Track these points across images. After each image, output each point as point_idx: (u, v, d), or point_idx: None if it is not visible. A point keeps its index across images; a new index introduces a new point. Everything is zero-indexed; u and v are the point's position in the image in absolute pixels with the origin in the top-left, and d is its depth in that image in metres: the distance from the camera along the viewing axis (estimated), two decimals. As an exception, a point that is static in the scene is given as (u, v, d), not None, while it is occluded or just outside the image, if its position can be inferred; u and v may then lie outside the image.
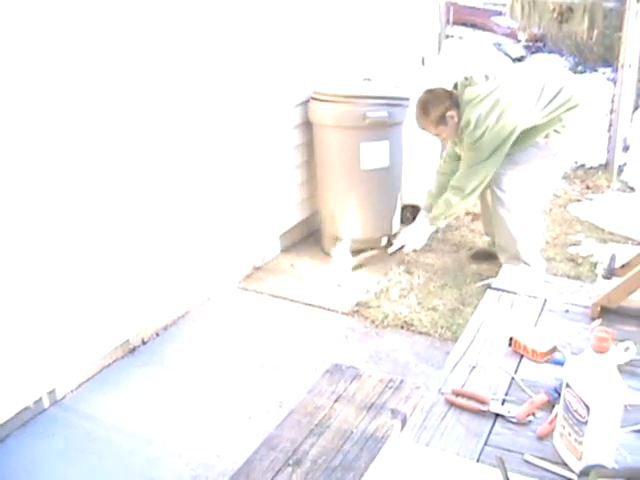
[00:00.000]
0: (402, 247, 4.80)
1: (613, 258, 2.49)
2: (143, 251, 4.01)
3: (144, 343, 4.19)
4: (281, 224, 5.30)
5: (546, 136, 4.43)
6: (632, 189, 6.72)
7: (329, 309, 4.59)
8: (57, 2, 3.21)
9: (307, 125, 5.23)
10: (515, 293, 2.48)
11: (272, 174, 5.05)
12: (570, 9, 9.13)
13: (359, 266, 5.12)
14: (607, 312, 2.29)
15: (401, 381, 2.76)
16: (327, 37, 5.44)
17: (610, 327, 2.21)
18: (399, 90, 5.16)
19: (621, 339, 2.10)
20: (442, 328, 4.29)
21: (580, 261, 5.11)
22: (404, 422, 2.52)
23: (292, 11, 4.98)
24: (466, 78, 4.49)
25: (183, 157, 4.20)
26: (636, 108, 9.12)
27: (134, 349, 4.12)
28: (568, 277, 4.75)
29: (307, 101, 5.15)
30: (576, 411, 1.60)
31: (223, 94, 4.43)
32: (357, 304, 4.61)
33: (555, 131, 4.41)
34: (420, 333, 4.29)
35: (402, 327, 4.36)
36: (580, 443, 1.60)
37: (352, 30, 5.78)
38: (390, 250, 4.86)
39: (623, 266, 2.41)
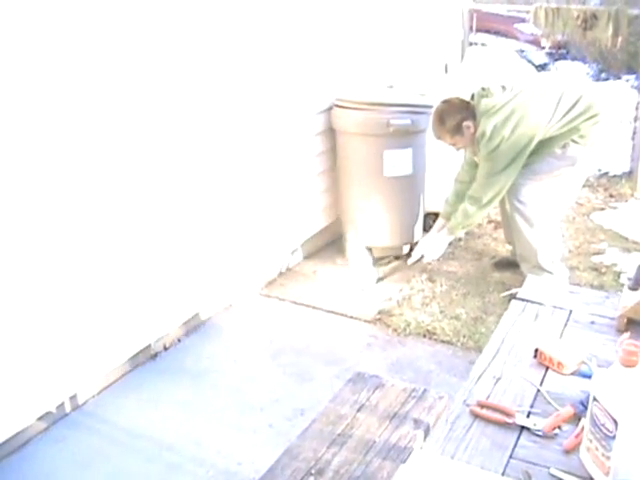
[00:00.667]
0: (421, 258, 4.79)
1: (639, 269, 2.46)
2: (165, 257, 4.01)
3: (166, 349, 4.19)
4: (304, 231, 5.29)
5: (564, 146, 4.40)
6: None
7: (351, 317, 4.58)
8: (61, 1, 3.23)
9: (330, 132, 5.22)
10: (540, 304, 2.46)
11: (295, 181, 5.04)
12: (595, 16, 9.06)
13: (382, 278, 5.11)
14: (634, 324, 2.27)
15: (424, 390, 2.74)
16: (350, 44, 5.43)
17: (638, 340, 2.20)
18: (422, 98, 5.14)
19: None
20: (464, 337, 4.27)
21: (604, 270, 5.06)
22: (427, 432, 2.50)
23: (315, 18, 4.97)
24: (483, 89, 4.48)
25: (209, 164, 4.20)
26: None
27: (156, 355, 4.13)
28: (591, 286, 4.71)
29: (330, 108, 5.15)
30: (604, 425, 1.58)
31: (249, 102, 4.43)
32: (379, 312, 4.59)
33: (573, 141, 4.38)
34: (442, 342, 4.27)
35: (424, 335, 4.33)
36: (608, 458, 1.58)
37: (375, 37, 5.77)
38: (410, 262, 4.86)
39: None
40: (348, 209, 5.28)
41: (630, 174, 6.99)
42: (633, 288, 2.40)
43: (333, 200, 5.45)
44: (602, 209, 6.38)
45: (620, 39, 8.95)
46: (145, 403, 3.71)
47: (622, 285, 2.74)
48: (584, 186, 6.30)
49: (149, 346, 4.08)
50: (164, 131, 3.85)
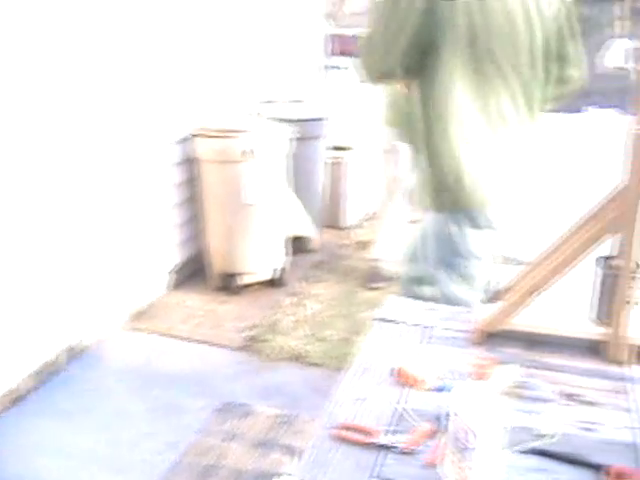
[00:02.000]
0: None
1: (495, 281, 2.54)
2: (27, 294, 3.90)
3: (34, 390, 4.05)
4: (169, 262, 5.24)
5: None
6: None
7: (220, 345, 4.55)
8: None
9: (190, 161, 5.20)
10: (400, 322, 2.50)
11: (154, 212, 4.99)
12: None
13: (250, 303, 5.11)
14: (491, 336, 2.33)
15: (294, 415, 2.75)
16: (210, 72, 5.44)
17: (494, 351, 2.26)
18: (282, 125, 5.19)
19: (505, 362, 2.14)
20: (334, 359, 4.30)
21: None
22: (297, 457, 2.50)
23: (168, 52, 4.95)
24: None
25: (64, 197, 4.11)
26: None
27: (21, 397, 3.99)
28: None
29: (189, 137, 5.12)
30: (462, 438, 1.62)
31: (95, 134, 4.36)
32: (248, 339, 4.58)
33: None
34: (313, 365, 4.30)
35: (294, 360, 4.35)
36: (467, 469, 1.62)
37: (237, 65, 5.80)
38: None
39: (504, 289, 2.46)
40: (212, 237, 5.26)
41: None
42: (489, 301, 2.48)
43: (198, 229, 5.42)
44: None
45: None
46: (11, 449, 3.58)
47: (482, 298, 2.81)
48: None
49: (14, 388, 3.94)
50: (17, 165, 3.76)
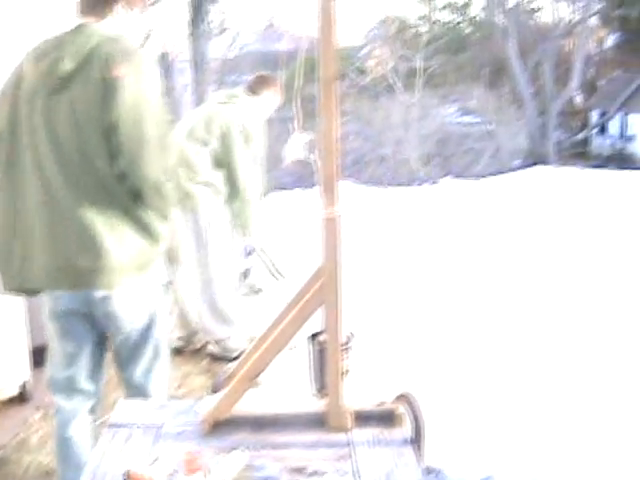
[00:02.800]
0: None
1: (222, 373, 2.61)
2: None
3: None
4: None
5: None
6: (259, 291, 7.09)
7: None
8: None
9: None
10: (131, 425, 2.51)
11: None
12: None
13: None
14: (219, 425, 2.40)
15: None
16: None
17: (222, 439, 2.33)
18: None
19: (232, 448, 2.21)
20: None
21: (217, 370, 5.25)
22: None
23: None
24: None
25: None
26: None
27: None
28: (207, 391, 4.86)
29: None
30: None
31: None
32: (-4, 462, 4.38)
33: None
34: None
35: (45, 476, 4.20)
36: None
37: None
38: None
39: (228, 376, 2.54)
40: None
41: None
42: (214, 390, 2.55)
43: None
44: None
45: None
46: None
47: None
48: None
49: None
50: None
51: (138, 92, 2.81)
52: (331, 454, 2.25)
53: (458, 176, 11.80)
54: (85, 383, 3.18)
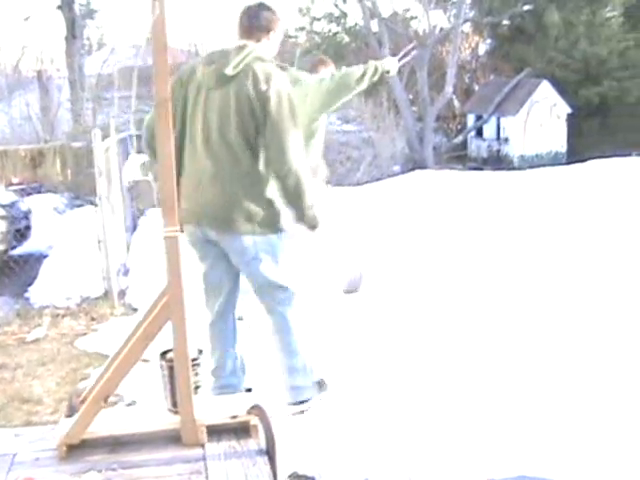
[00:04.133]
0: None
1: (76, 391, 2.61)
2: None
3: None
4: None
5: None
6: (136, 309, 7.04)
7: None
8: None
9: None
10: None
11: None
12: (41, 153, 9.43)
13: None
14: (76, 448, 2.40)
15: None
16: None
17: (78, 462, 2.34)
18: None
19: (89, 470, 2.22)
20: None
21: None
22: None
23: None
24: None
25: None
26: (134, 230, 9.63)
27: None
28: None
29: None
30: None
31: None
32: None
33: None
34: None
35: None
36: None
37: None
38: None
39: (81, 399, 2.55)
40: None
41: (107, 294, 7.31)
42: (69, 415, 2.55)
43: None
44: (85, 334, 6.55)
45: (69, 171, 9.38)
46: None
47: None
48: (65, 315, 6.51)
49: None
50: None
51: (279, 100, 3.90)
52: (186, 469, 2.29)
53: (338, 184, 11.87)
54: None
